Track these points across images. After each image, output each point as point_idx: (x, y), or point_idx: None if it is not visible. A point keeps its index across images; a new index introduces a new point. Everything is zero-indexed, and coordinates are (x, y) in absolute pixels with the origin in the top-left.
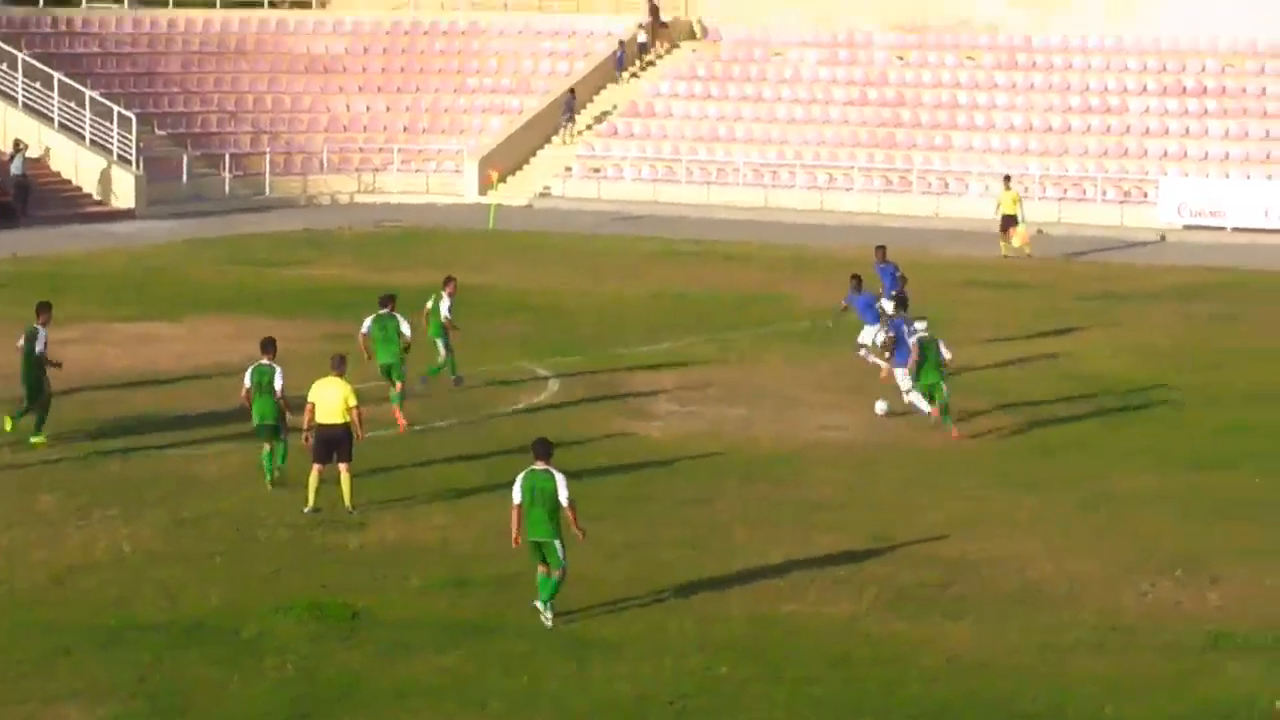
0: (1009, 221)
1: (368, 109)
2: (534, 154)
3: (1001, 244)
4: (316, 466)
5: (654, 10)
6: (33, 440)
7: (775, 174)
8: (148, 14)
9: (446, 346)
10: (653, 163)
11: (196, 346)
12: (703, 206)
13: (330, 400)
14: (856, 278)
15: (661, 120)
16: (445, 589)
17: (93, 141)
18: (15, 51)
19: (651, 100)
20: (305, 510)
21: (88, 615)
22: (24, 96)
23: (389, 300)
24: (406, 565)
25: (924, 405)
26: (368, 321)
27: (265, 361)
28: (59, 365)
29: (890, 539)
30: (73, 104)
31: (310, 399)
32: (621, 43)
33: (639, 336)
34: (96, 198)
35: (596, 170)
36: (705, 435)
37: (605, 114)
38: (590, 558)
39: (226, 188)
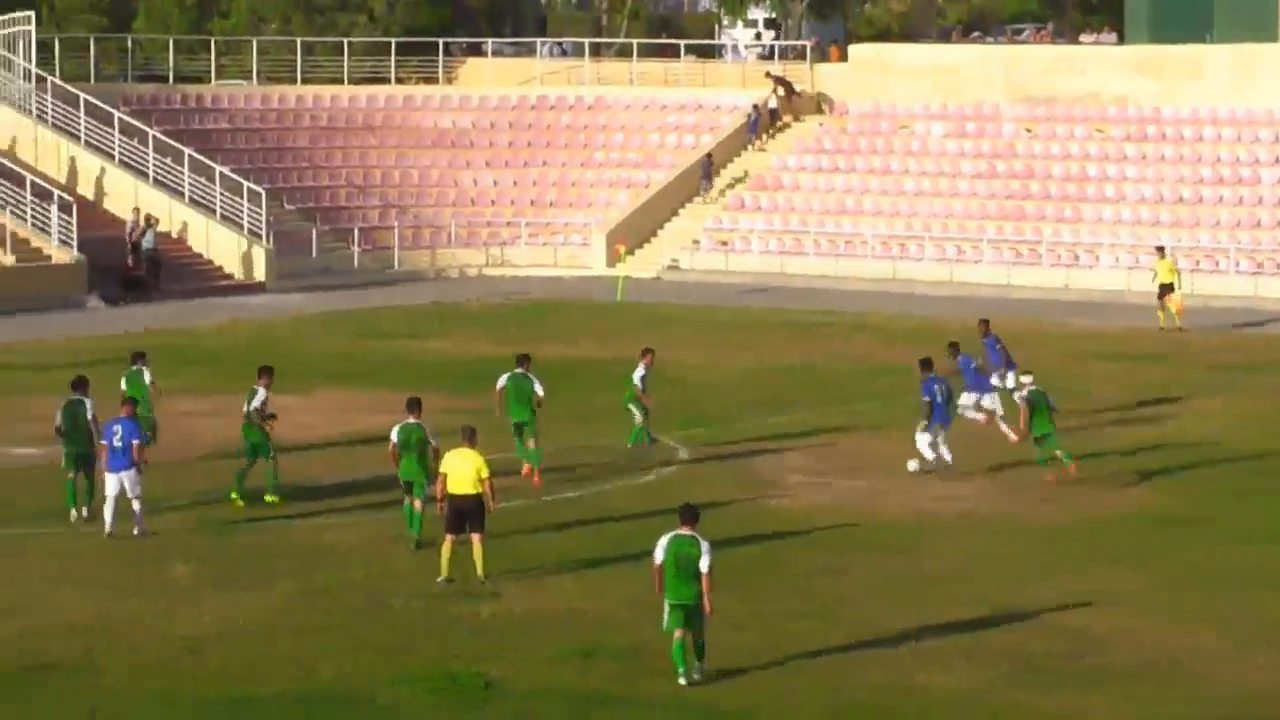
0: (1166, 290)
1: (495, 183)
2: (661, 227)
3: (1159, 314)
4: (449, 537)
5: (784, 82)
6: (266, 499)
7: (904, 246)
8: (276, 90)
9: (642, 411)
10: (780, 235)
11: (325, 418)
12: (831, 278)
13: (463, 471)
14: (954, 344)
15: (789, 193)
16: (575, 659)
17: (223, 216)
18: (146, 128)
19: (779, 173)
20: (439, 580)
21: (221, 685)
22: (155, 172)
23: (525, 360)
24: (537, 635)
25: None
26: (503, 379)
27: (412, 420)
28: (273, 417)
29: (1017, 609)
30: (203, 179)
31: (442, 470)
32: (755, 106)
33: (767, 408)
34: (227, 271)
35: (724, 243)
36: (833, 506)
37: (738, 180)
38: (717, 628)
39: (355, 261)
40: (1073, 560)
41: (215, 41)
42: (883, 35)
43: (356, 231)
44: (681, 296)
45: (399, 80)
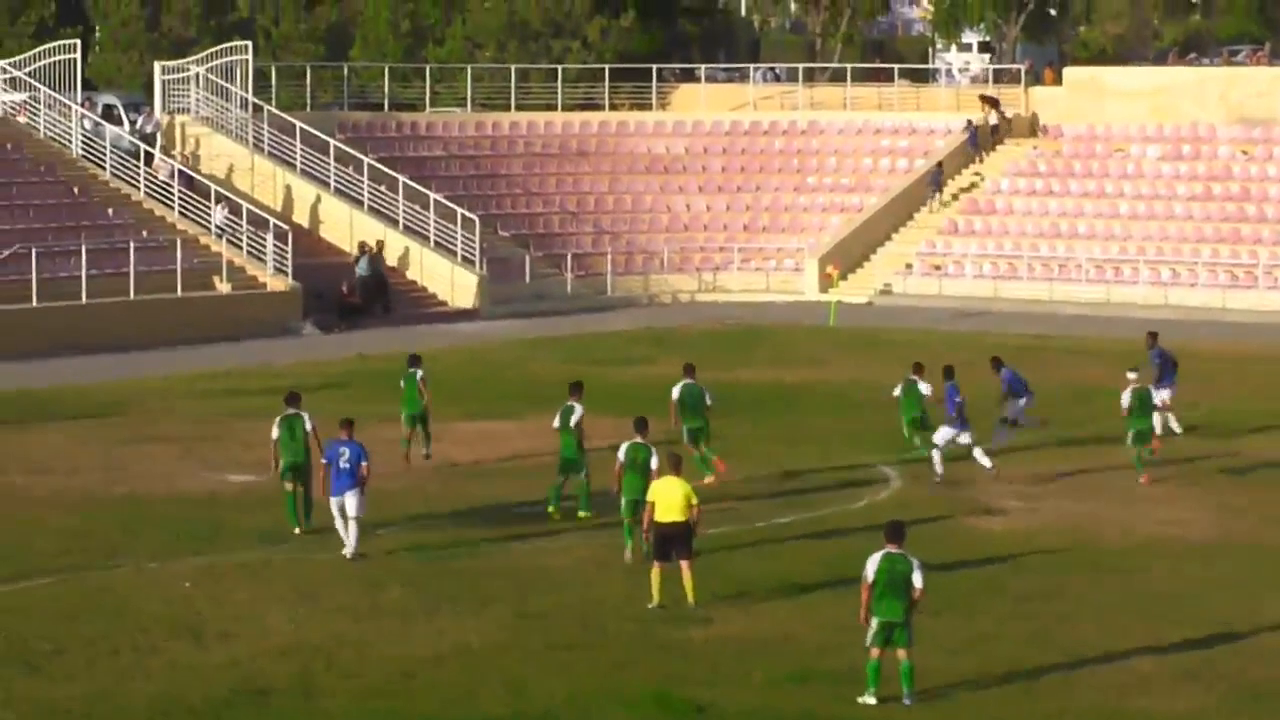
0: None
1: (708, 208)
2: (874, 251)
3: None
4: (657, 564)
5: (993, 101)
6: (580, 514)
7: (1118, 270)
8: (490, 117)
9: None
10: (994, 259)
11: (538, 443)
12: (1044, 303)
13: (671, 498)
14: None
15: (1002, 217)
16: (789, 684)
17: (437, 243)
18: (361, 156)
19: (993, 197)
20: (650, 607)
21: (436, 709)
22: (370, 199)
23: (690, 369)
24: (750, 660)
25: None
26: (676, 389)
27: (639, 440)
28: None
29: (1238, 633)
30: (417, 206)
31: (650, 498)
32: (970, 121)
33: (980, 431)
34: (440, 298)
35: (937, 267)
36: (1049, 530)
37: (964, 190)
38: (933, 652)
39: (568, 287)
40: None
41: (430, 69)
42: (1098, 58)
43: (569, 257)
44: (894, 321)
45: (612, 106)
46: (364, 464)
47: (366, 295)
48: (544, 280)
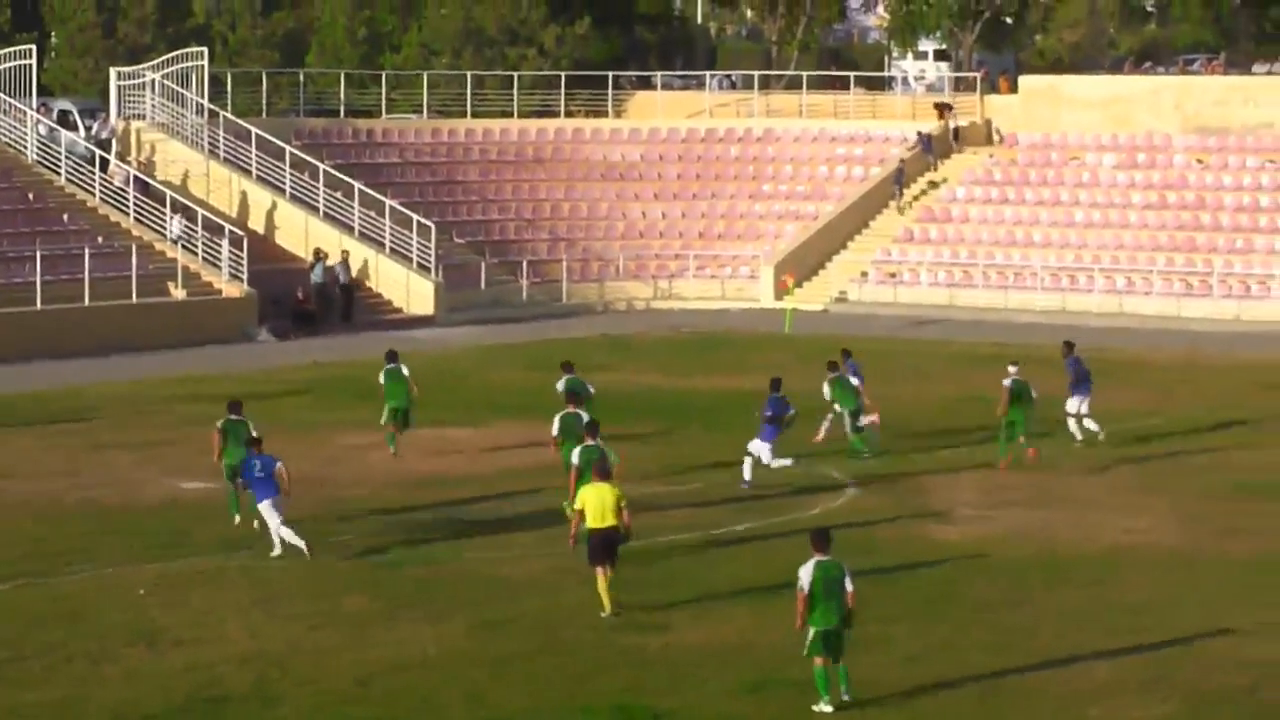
0: None
1: (664, 215)
2: (830, 259)
3: None
4: (600, 570)
5: (946, 108)
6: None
7: (1074, 278)
8: (446, 124)
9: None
10: (949, 267)
11: (496, 451)
12: (1000, 310)
13: (602, 504)
14: (1068, 343)
15: (958, 225)
16: (748, 692)
17: (393, 250)
18: (317, 162)
19: (948, 205)
20: (603, 615)
21: (394, 716)
22: (325, 206)
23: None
24: (709, 668)
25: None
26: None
27: (591, 443)
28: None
29: (1196, 643)
30: (373, 213)
31: (578, 505)
32: (920, 132)
33: (937, 440)
34: (396, 305)
35: (893, 275)
36: (1006, 538)
37: (917, 197)
38: (889, 662)
39: (524, 294)
40: (1254, 594)
41: (386, 75)
42: (1054, 66)
43: (525, 264)
44: (850, 329)
45: (568, 113)
46: (278, 466)
47: (322, 302)
48: (500, 287)
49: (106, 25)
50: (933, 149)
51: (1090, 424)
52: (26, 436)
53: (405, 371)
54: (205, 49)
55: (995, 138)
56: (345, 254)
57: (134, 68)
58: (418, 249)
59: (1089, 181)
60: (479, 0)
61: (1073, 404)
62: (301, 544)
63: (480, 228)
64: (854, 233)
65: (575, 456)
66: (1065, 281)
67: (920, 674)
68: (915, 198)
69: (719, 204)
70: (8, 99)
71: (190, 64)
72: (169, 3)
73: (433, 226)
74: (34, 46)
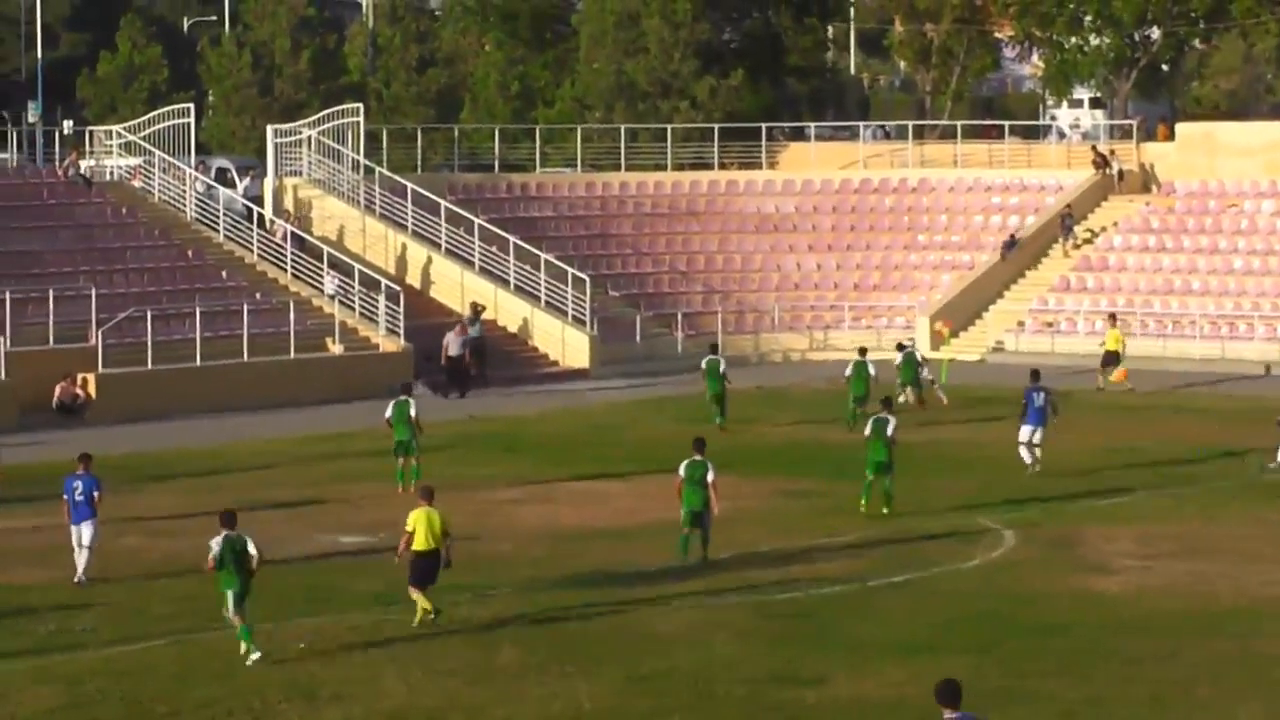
0: (1111, 359)
1: (818, 267)
2: (986, 309)
3: (1099, 377)
4: (419, 592)
5: (1103, 161)
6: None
7: (1233, 325)
8: (600, 178)
9: None
10: (1107, 316)
11: (645, 504)
12: (1157, 359)
13: (429, 528)
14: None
15: (1115, 273)
16: None
17: (548, 303)
18: (472, 217)
19: (1105, 253)
20: (423, 619)
21: None
22: (480, 260)
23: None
24: None
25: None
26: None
27: (697, 457)
28: None
29: None
30: (528, 266)
31: (409, 527)
32: (1069, 207)
33: (1093, 490)
34: (551, 358)
35: (1050, 324)
36: (1164, 590)
37: (1084, 241)
38: (1046, 714)
39: (679, 347)
40: None
41: (540, 130)
42: (1211, 113)
43: (680, 317)
44: (1006, 379)
45: (721, 166)
46: (96, 494)
47: (478, 358)
48: (654, 340)
49: (262, 83)
50: (1071, 230)
51: (1036, 453)
52: (177, 492)
53: (413, 410)
54: (361, 105)
55: (1153, 186)
56: (476, 306)
57: (290, 125)
58: (573, 302)
59: (1247, 229)
60: (631, 54)
61: (1024, 433)
62: (82, 568)
63: (635, 281)
64: (1010, 282)
65: (681, 469)
66: (1225, 330)
67: None
68: (1076, 246)
69: (873, 255)
70: (167, 158)
71: (346, 120)
72: (324, 60)
73: (587, 280)
74: (191, 105)
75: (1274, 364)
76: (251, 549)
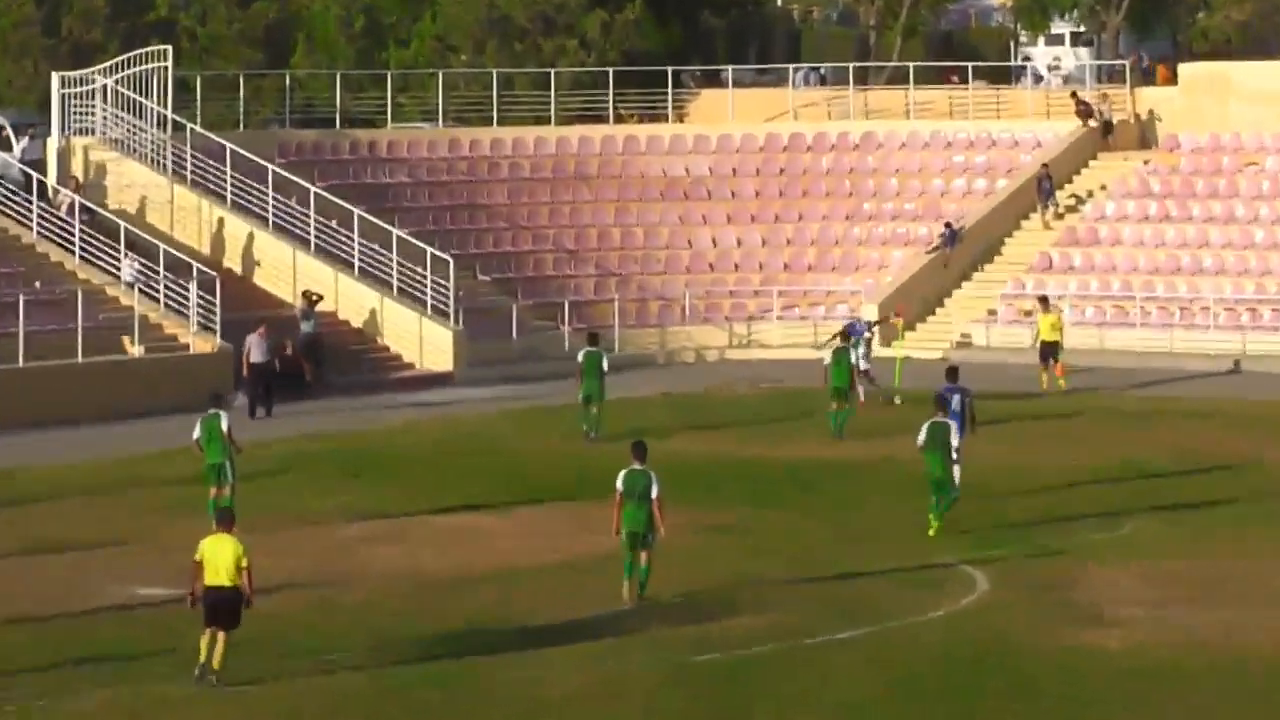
0: (1049, 349)
1: (739, 243)
2: (949, 294)
3: (1041, 376)
4: (211, 632)
5: (1089, 111)
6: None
7: (1253, 312)
8: (466, 134)
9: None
10: (1098, 302)
11: (530, 543)
12: (1162, 354)
13: (221, 559)
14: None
15: (1107, 249)
16: None
17: (400, 290)
18: (307, 184)
19: (1095, 224)
20: (198, 666)
21: None
22: (316, 238)
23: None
24: None
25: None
26: None
27: (638, 466)
28: None
29: None
30: (376, 245)
31: (197, 556)
32: (1045, 167)
33: (1085, 518)
34: (406, 359)
35: (1028, 313)
36: (1178, 646)
37: (1067, 210)
38: None
39: (566, 344)
40: None
41: (391, 76)
42: (1221, 50)
43: (567, 306)
44: (974, 380)
45: (618, 119)
46: None
47: (312, 358)
48: (535, 335)
49: (47, 21)
50: (1051, 194)
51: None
52: None
53: (225, 424)
54: (169, 48)
55: (1151, 141)
56: (310, 295)
57: (81, 71)
58: (433, 289)
59: (1269, 192)
60: None
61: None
62: None
63: (510, 262)
64: (979, 261)
65: (620, 481)
66: (1245, 317)
67: None
68: (1059, 215)
69: (807, 228)
70: None
71: (151, 65)
72: None
73: (451, 261)
74: None
75: None
76: None
